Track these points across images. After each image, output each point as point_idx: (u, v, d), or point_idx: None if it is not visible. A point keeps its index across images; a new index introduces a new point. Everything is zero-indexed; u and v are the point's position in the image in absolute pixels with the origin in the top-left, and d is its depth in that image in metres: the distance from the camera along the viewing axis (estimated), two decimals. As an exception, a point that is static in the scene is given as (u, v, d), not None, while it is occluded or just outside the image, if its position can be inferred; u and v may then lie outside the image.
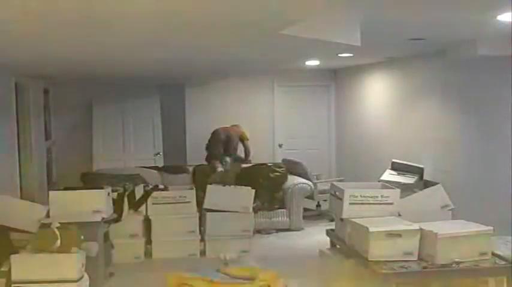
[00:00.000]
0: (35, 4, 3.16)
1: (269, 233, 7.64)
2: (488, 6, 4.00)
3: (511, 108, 5.63)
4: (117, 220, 6.06)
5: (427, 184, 6.31)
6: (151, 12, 3.51)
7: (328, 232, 5.43)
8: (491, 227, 4.35)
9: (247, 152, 9.32)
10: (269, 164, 8.37)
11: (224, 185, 7.07)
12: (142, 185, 6.84)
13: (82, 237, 4.77)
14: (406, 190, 5.78)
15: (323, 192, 8.08)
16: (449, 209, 5.41)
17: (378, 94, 8.89)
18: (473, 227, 4.42)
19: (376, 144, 8.79)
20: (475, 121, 6.38)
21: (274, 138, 10.43)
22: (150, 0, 3.21)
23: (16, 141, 7.41)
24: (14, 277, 4.41)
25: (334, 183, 5.51)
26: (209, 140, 9.14)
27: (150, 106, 9.84)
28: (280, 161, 8.93)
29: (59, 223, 4.75)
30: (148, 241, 6.57)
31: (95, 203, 5.41)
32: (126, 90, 9.80)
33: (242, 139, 9.32)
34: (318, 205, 8.48)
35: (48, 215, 5.22)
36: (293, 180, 8.04)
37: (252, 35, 4.65)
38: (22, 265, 4.44)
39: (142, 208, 6.57)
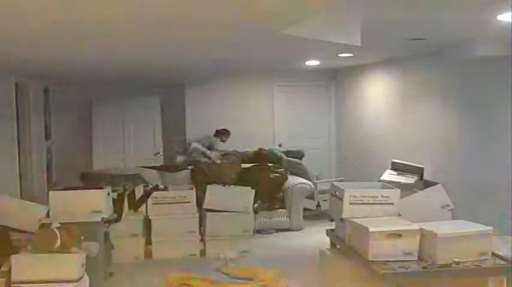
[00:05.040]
0: (36, 5, 3.16)
1: (269, 233, 7.64)
2: (488, 6, 4.00)
3: (510, 109, 5.63)
4: (117, 220, 6.07)
5: (427, 184, 6.30)
6: (152, 13, 3.52)
7: (328, 232, 5.42)
8: (491, 227, 4.34)
9: None
10: (269, 164, 8.38)
11: (224, 185, 7.07)
12: (142, 185, 6.85)
13: (82, 237, 4.77)
14: (406, 190, 5.77)
15: (323, 192, 8.08)
16: (449, 209, 5.40)
17: (377, 94, 8.89)
18: (473, 227, 4.42)
19: (376, 144, 8.78)
20: (474, 121, 6.38)
21: (274, 139, 10.43)
22: (150, 1, 3.21)
23: (16, 141, 7.40)
24: (14, 277, 4.41)
25: (334, 183, 5.50)
26: None
27: (150, 106, 9.84)
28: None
29: (59, 223, 4.76)
30: (149, 241, 6.58)
31: (95, 203, 5.41)
32: (126, 90, 9.80)
33: None
34: (318, 205, 8.48)
35: (48, 215, 5.22)
36: (293, 180, 8.04)
37: (252, 35, 4.65)
38: (22, 265, 4.44)
39: (142, 208, 6.58)
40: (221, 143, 9.69)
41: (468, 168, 6.43)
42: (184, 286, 5.36)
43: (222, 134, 9.68)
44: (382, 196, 4.83)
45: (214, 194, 6.77)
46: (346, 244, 4.82)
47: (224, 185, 7.09)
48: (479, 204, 6.01)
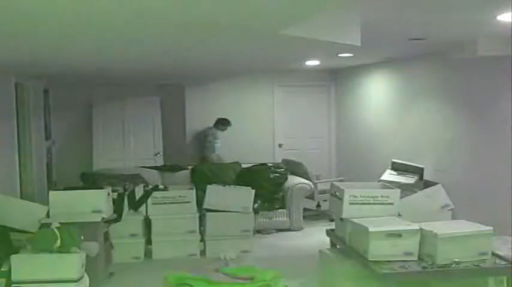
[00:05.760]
0: (35, 4, 3.16)
1: (269, 233, 7.64)
2: (488, 6, 4.00)
3: (510, 108, 5.64)
4: (117, 220, 6.06)
5: (427, 184, 6.32)
6: (152, 13, 3.51)
7: (328, 232, 5.43)
8: (491, 227, 4.35)
9: None
10: (269, 165, 8.38)
11: (224, 185, 7.07)
12: (142, 185, 6.84)
13: (82, 237, 4.78)
14: (406, 190, 5.78)
15: (323, 192, 8.09)
16: (449, 209, 5.41)
17: (378, 94, 8.89)
18: (473, 227, 4.42)
19: (376, 144, 8.79)
20: (475, 121, 6.38)
21: (274, 139, 10.44)
22: (150, 1, 3.20)
23: (16, 141, 7.40)
24: (14, 277, 4.41)
25: (334, 183, 5.51)
26: None
27: (150, 106, 9.84)
28: (280, 161, 8.96)
29: (59, 223, 4.76)
30: (148, 241, 6.58)
31: (95, 203, 5.41)
32: (126, 90, 9.80)
33: None
34: (318, 205, 8.49)
35: (48, 215, 5.22)
36: (293, 180, 8.04)
37: (252, 35, 4.65)
38: (22, 265, 4.44)
39: (142, 208, 6.57)
40: (219, 131, 9.78)
41: (468, 168, 6.44)
42: (184, 286, 5.36)
43: (221, 123, 9.76)
44: (382, 196, 4.84)
45: (214, 194, 6.76)
46: (346, 244, 4.83)
47: (224, 185, 7.09)
48: (479, 204, 6.01)
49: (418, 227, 4.37)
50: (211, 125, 9.83)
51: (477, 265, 4.18)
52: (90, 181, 7.43)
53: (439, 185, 5.66)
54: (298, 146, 10.35)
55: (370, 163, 8.78)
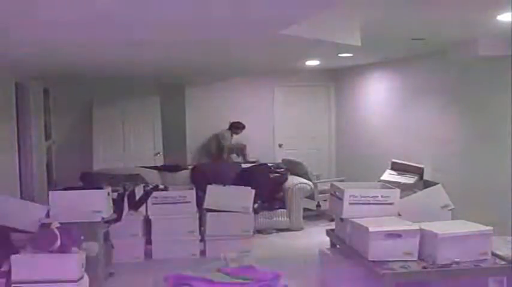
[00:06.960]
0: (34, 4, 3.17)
1: (269, 233, 7.64)
2: (488, 6, 4.00)
3: (510, 109, 5.64)
4: (117, 220, 6.06)
5: (427, 184, 6.30)
6: (151, 12, 3.52)
7: (328, 232, 5.43)
8: (491, 227, 4.35)
9: None
10: (269, 164, 8.38)
11: (224, 185, 7.07)
12: (142, 185, 6.84)
13: (82, 237, 4.77)
14: (406, 190, 5.77)
15: (323, 192, 8.08)
16: (449, 209, 5.41)
17: (378, 94, 8.89)
18: (473, 227, 4.42)
19: (376, 144, 8.78)
20: (474, 121, 6.38)
21: (274, 139, 10.43)
22: (150, 0, 3.21)
23: (16, 141, 7.40)
24: (14, 277, 4.41)
25: (334, 183, 5.51)
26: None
27: (150, 106, 9.84)
28: (280, 161, 8.96)
29: (59, 223, 4.75)
30: (149, 241, 6.58)
31: (95, 203, 5.41)
32: (126, 90, 9.80)
33: None
34: (318, 205, 8.48)
35: (48, 215, 5.22)
36: (293, 180, 8.04)
37: (252, 35, 4.65)
38: (22, 265, 4.44)
39: (143, 208, 6.57)
40: (234, 135, 9.84)
41: (468, 168, 6.43)
42: (184, 286, 5.36)
43: (234, 126, 9.82)
44: (382, 196, 4.84)
45: (214, 194, 6.76)
46: (346, 244, 4.83)
47: (224, 185, 7.08)
48: (479, 204, 6.01)
49: (418, 227, 4.37)
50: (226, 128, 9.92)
51: (477, 265, 4.18)
52: (90, 181, 7.42)
53: (439, 185, 5.65)
54: (298, 146, 10.35)
55: (370, 163, 8.77)
